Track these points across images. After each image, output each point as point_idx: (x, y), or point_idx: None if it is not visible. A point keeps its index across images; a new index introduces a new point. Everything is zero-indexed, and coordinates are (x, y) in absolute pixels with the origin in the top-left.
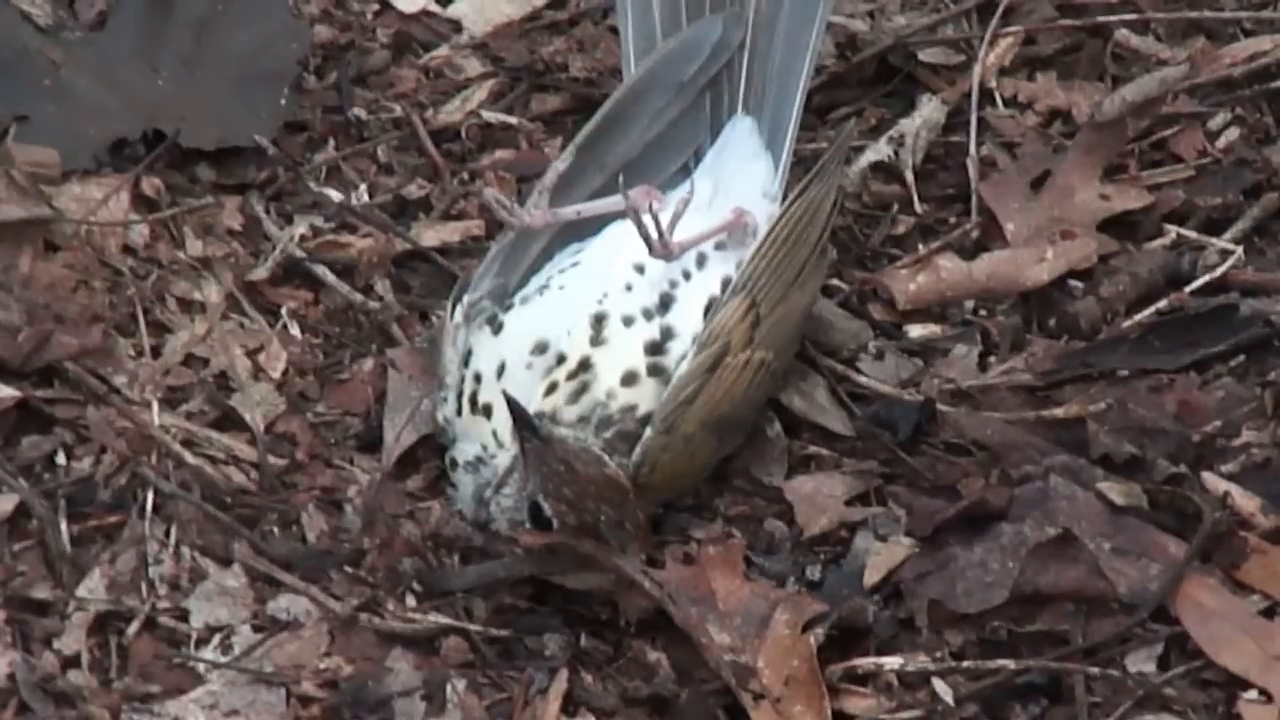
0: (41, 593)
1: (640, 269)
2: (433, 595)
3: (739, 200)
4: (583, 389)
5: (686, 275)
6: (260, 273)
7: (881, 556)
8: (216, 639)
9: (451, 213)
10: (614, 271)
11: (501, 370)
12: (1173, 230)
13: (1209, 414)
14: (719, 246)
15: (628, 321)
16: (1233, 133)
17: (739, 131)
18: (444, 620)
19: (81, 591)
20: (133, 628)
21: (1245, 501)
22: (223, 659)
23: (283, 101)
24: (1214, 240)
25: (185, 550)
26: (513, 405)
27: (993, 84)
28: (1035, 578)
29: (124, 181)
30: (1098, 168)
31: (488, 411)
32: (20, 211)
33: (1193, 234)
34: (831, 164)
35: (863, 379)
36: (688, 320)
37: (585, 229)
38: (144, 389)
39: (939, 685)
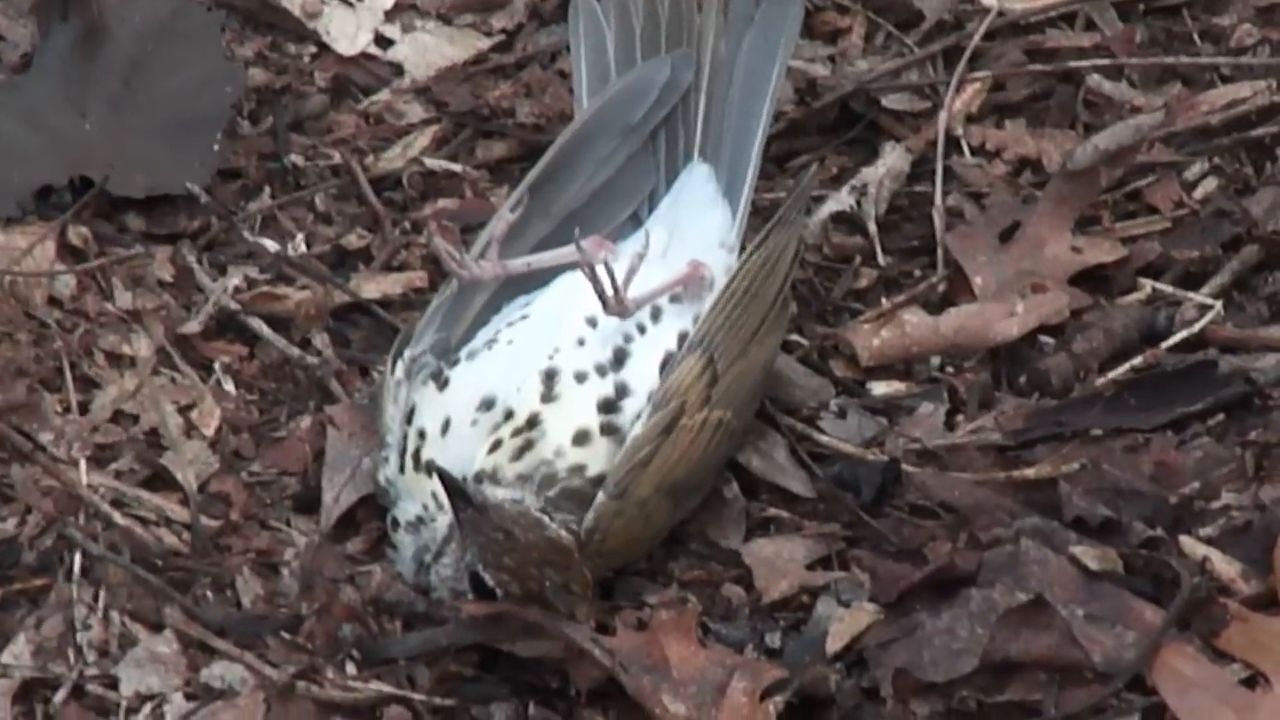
0: None
1: (593, 322)
2: (374, 663)
3: (695, 251)
4: (527, 446)
5: (641, 329)
6: (193, 326)
7: (844, 623)
8: (147, 708)
9: (393, 264)
10: (565, 325)
11: (446, 427)
12: (1148, 284)
13: (1187, 475)
14: (674, 300)
15: (580, 378)
16: (1210, 183)
17: (695, 178)
18: (385, 689)
19: (6, 658)
20: (60, 695)
21: (1225, 566)
22: None
23: (216, 148)
24: (1191, 295)
25: (114, 615)
26: (444, 476)
27: (959, 131)
28: (1005, 645)
29: (50, 230)
30: (1069, 219)
31: (430, 470)
32: None
33: (1169, 288)
34: (792, 213)
35: (824, 438)
36: (643, 377)
37: (533, 281)
38: (71, 447)
39: None
